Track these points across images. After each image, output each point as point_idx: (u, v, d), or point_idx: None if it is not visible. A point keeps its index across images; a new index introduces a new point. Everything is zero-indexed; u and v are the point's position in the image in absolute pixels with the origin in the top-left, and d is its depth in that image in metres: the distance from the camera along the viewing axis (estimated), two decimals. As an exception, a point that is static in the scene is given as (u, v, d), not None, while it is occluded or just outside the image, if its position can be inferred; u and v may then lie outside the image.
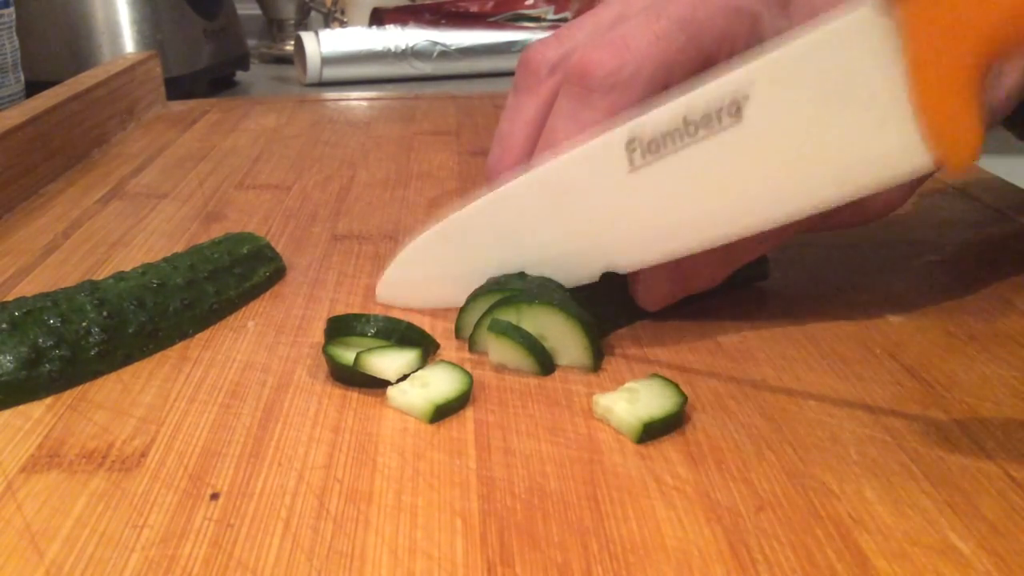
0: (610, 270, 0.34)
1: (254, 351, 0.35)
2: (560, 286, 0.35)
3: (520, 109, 0.38)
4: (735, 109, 0.30)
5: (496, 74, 1.00)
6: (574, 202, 0.34)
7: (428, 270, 0.38)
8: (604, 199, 0.33)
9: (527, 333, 0.33)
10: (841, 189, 0.29)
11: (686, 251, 0.33)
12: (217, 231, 0.47)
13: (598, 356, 0.33)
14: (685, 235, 0.32)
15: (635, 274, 0.36)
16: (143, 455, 0.28)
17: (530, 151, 0.37)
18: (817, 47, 0.28)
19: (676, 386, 0.31)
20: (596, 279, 0.35)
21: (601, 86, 0.34)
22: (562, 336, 0.33)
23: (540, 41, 0.38)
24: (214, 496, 0.26)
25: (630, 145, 0.32)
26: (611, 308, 0.36)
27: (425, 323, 0.36)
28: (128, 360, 0.34)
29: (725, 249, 0.34)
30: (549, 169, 0.34)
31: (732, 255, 0.35)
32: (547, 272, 0.35)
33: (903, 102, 0.27)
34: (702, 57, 0.34)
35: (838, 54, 0.28)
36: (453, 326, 0.36)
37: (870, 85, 0.27)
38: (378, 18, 1.09)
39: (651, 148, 0.32)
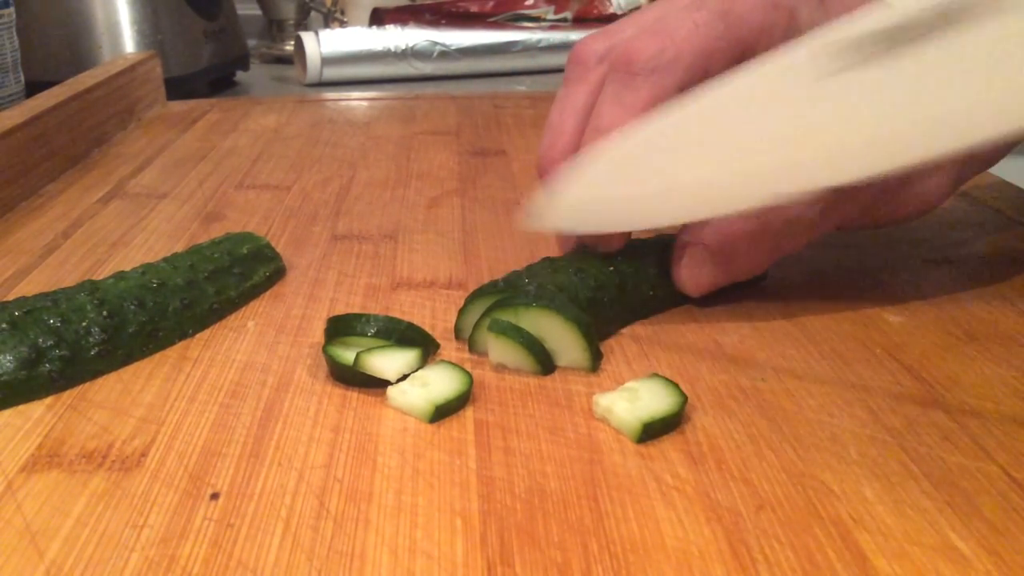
0: (784, 194, 0.32)
1: (254, 351, 0.35)
2: (560, 288, 0.35)
3: (569, 99, 0.39)
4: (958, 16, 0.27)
5: (496, 74, 1.00)
6: (759, 116, 0.32)
7: (603, 190, 0.35)
8: (789, 114, 0.31)
9: (527, 333, 0.33)
10: None
11: (870, 174, 0.29)
12: (217, 231, 0.47)
13: (596, 357, 0.33)
14: (874, 157, 0.29)
15: (679, 258, 0.37)
16: (143, 455, 0.28)
17: (580, 139, 0.38)
18: None
19: (676, 386, 0.31)
20: (769, 202, 0.32)
21: (643, 70, 0.35)
22: (560, 338, 0.33)
23: (589, 36, 0.40)
24: (214, 496, 0.26)
25: (822, 51, 0.30)
26: (613, 310, 0.36)
27: (425, 323, 0.36)
28: (128, 360, 0.34)
29: (769, 238, 0.35)
30: (736, 83, 0.32)
31: (775, 244, 0.36)
32: (718, 196, 0.32)
33: None
34: (740, 46, 0.35)
35: None
36: (453, 326, 0.36)
37: None
38: (378, 18, 1.09)
39: (843, 56, 0.29)
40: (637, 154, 0.35)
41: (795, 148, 0.31)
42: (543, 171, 0.39)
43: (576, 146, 0.38)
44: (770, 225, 0.35)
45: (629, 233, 0.38)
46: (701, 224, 0.36)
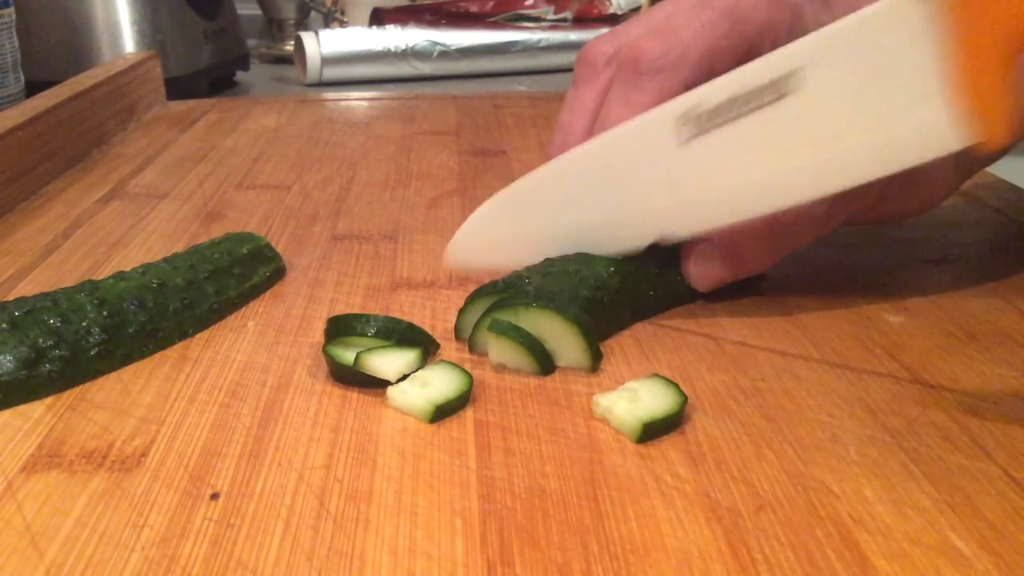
0: (662, 239, 0.36)
1: (254, 351, 0.35)
2: (559, 289, 0.35)
3: (579, 100, 0.40)
4: (781, 85, 0.31)
5: (496, 74, 1.00)
6: (628, 173, 0.36)
7: (493, 234, 0.40)
8: (656, 170, 0.35)
9: (527, 333, 0.33)
10: (884, 163, 0.30)
11: (732, 221, 0.34)
12: (217, 231, 0.47)
13: (596, 357, 0.33)
14: (731, 206, 0.34)
15: (687, 254, 0.37)
16: (143, 455, 0.28)
17: (589, 139, 0.39)
18: (860, 28, 0.30)
19: (676, 386, 0.31)
20: (646, 246, 0.37)
21: (650, 69, 0.36)
22: (560, 338, 0.33)
23: (597, 37, 0.41)
24: (214, 496, 0.26)
25: (680, 120, 0.34)
26: (613, 310, 0.36)
27: (425, 323, 0.36)
28: (128, 360, 0.34)
29: (777, 235, 0.36)
30: (605, 142, 0.36)
31: (783, 241, 0.37)
32: (603, 238, 0.37)
33: (939, 82, 0.28)
34: (746, 44, 0.36)
35: (879, 36, 0.30)
36: (453, 326, 0.36)
37: (909, 65, 0.29)
38: (378, 18, 1.09)
39: (701, 121, 0.33)
40: (534, 194, 0.39)
41: (659, 198, 0.35)
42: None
43: None
44: (777, 222, 0.35)
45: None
46: None
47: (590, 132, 0.39)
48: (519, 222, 0.39)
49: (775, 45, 0.35)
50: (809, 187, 0.32)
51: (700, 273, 0.37)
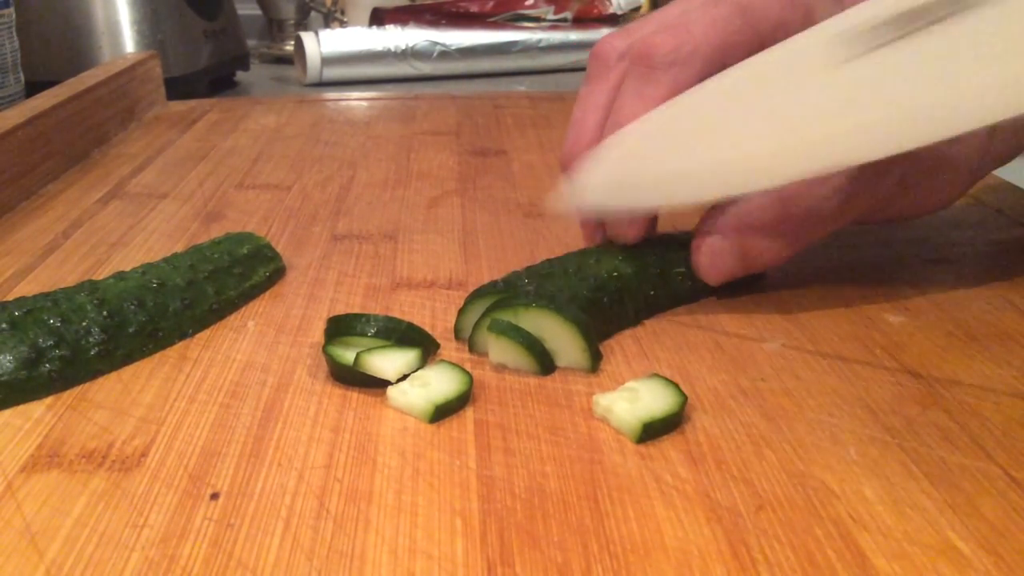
0: (813, 172, 0.32)
1: (254, 351, 0.35)
2: (559, 289, 0.35)
3: (592, 96, 0.40)
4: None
5: (496, 74, 1.00)
6: (778, 97, 0.33)
7: (625, 170, 0.37)
8: (809, 94, 0.32)
9: (527, 333, 0.33)
10: None
11: (888, 152, 0.30)
12: (217, 231, 0.47)
13: (596, 358, 0.33)
14: (891, 135, 0.30)
15: (698, 246, 0.37)
16: (143, 455, 0.28)
17: (602, 135, 0.39)
18: None
19: (676, 386, 0.31)
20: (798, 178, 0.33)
21: (662, 64, 0.36)
22: (559, 338, 0.33)
23: (610, 34, 0.41)
24: (214, 496, 0.26)
25: (838, 38, 0.31)
26: (613, 310, 0.36)
27: (425, 323, 0.36)
28: (128, 360, 0.34)
29: (790, 229, 0.35)
30: (754, 64, 0.34)
31: (796, 236, 0.36)
32: (751, 173, 0.33)
33: None
34: (758, 40, 0.36)
35: None
36: (453, 326, 0.36)
37: None
38: (378, 18, 1.09)
39: (861, 41, 0.31)
40: (659, 135, 0.36)
41: (817, 126, 0.31)
42: (567, 167, 0.39)
43: (599, 141, 0.39)
44: (789, 217, 0.35)
45: (651, 226, 0.39)
46: (720, 213, 0.37)
47: (603, 127, 0.39)
48: (654, 158, 0.36)
49: None
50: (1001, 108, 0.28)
51: (710, 265, 0.37)
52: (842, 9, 0.36)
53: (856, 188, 0.35)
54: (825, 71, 0.31)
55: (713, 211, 0.37)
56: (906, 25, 0.29)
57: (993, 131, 0.38)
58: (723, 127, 0.34)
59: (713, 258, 0.37)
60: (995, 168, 0.43)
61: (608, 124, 0.38)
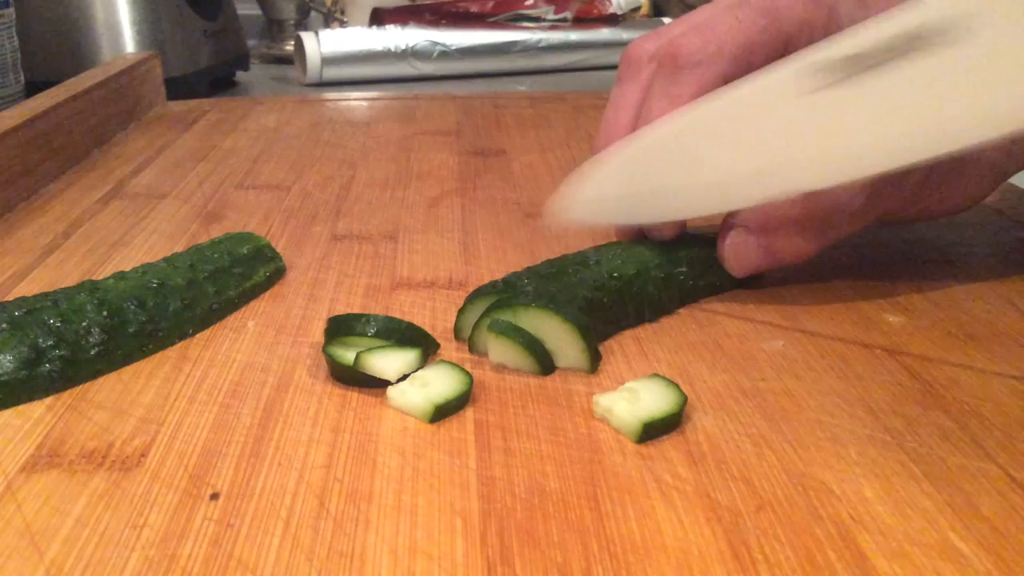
0: (781, 194, 0.35)
1: (254, 351, 0.35)
2: (559, 289, 0.35)
3: (622, 96, 0.41)
4: (940, 34, 0.30)
5: (496, 74, 1.00)
6: (750, 126, 0.35)
7: (611, 188, 0.39)
8: (780, 122, 0.34)
9: (527, 333, 0.33)
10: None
11: (855, 176, 0.33)
12: (217, 231, 0.47)
13: (595, 358, 0.33)
14: (859, 160, 0.32)
15: (723, 239, 0.38)
16: (143, 455, 0.28)
17: (632, 134, 0.39)
18: None
19: (676, 386, 0.31)
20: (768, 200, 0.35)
21: (688, 63, 0.37)
22: (559, 338, 0.33)
23: (641, 37, 0.42)
24: (214, 496, 0.26)
25: (805, 69, 0.33)
26: (613, 311, 0.36)
27: (425, 323, 0.36)
28: (128, 360, 0.34)
29: (816, 225, 0.36)
30: (739, 90, 0.36)
31: (822, 231, 0.37)
32: (721, 194, 0.36)
33: None
34: (782, 38, 0.37)
35: None
36: (453, 326, 0.36)
37: None
38: (378, 18, 1.09)
39: (829, 71, 0.32)
40: (644, 155, 0.38)
41: (789, 150, 0.34)
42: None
43: None
44: (815, 212, 0.36)
45: (683, 223, 0.39)
46: (748, 208, 0.37)
47: (634, 127, 0.40)
48: (640, 177, 0.38)
49: (811, 42, 0.36)
50: (973, 132, 0.30)
51: (736, 258, 0.38)
52: (865, 10, 0.38)
53: (881, 186, 0.36)
54: (797, 100, 0.33)
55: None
56: (869, 61, 0.31)
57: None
58: (704, 149, 0.36)
59: (738, 252, 0.38)
60: (1020, 170, 0.43)
61: (640, 123, 0.39)
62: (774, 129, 0.34)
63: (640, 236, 0.41)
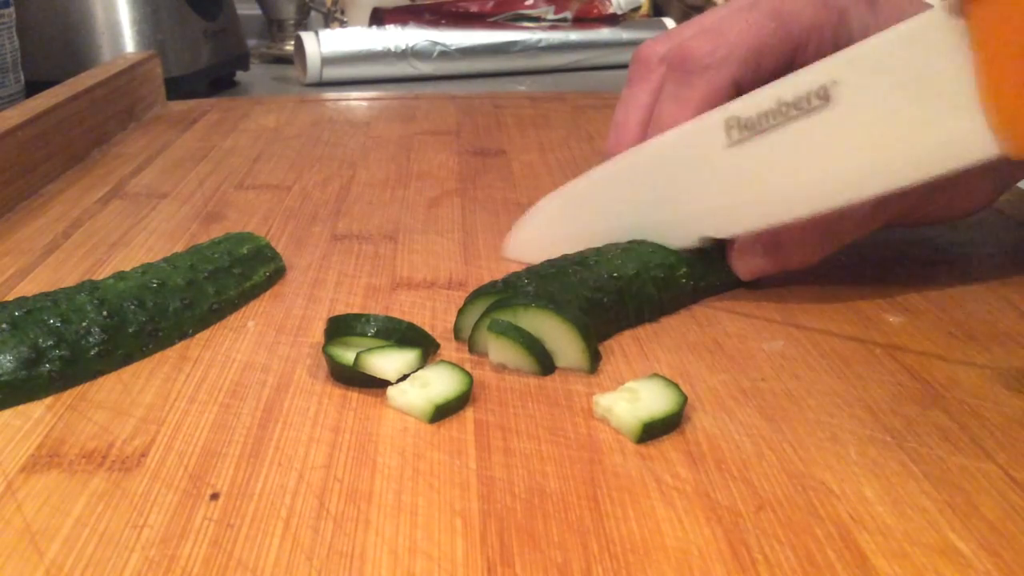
0: (708, 237, 0.38)
1: (254, 351, 0.35)
2: (559, 289, 0.35)
3: (633, 97, 0.42)
4: (824, 93, 0.33)
5: (496, 74, 1.00)
6: (677, 174, 0.38)
7: (549, 230, 0.42)
8: (706, 172, 0.37)
9: (527, 333, 0.33)
10: (920, 170, 0.31)
11: (774, 223, 0.36)
12: (217, 231, 0.47)
13: (595, 358, 0.33)
14: (774, 208, 0.35)
15: (731, 244, 0.39)
16: (143, 455, 0.28)
17: (643, 135, 0.41)
18: (896, 43, 0.31)
19: (676, 386, 0.31)
20: (696, 244, 0.38)
21: (698, 66, 0.38)
22: (558, 338, 0.33)
23: (651, 39, 0.43)
24: (214, 496, 0.26)
25: (728, 123, 0.35)
26: (613, 311, 0.36)
27: (425, 323, 0.36)
28: (128, 360, 0.34)
29: (822, 232, 0.37)
30: (656, 145, 0.38)
31: (828, 238, 0.38)
32: (653, 235, 0.39)
33: (972, 95, 0.29)
34: (791, 42, 0.38)
35: (915, 50, 0.30)
36: (453, 326, 0.36)
37: (943, 79, 0.30)
38: (378, 18, 1.09)
39: (747, 126, 0.35)
40: (578, 201, 0.41)
41: (713, 196, 0.37)
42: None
43: (640, 141, 0.40)
44: (821, 219, 0.36)
45: None
46: None
47: (644, 128, 0.40)
48: (574, 221, 0.41)
49: (820, 45, 0.37)
50: (849, 191, 0.33)
51: (742, 262, 0.39)
52: (875, 14, 0.38)
53: (887, 195, 0.36)
54: (717, 152, 0.36)
55: None
56: (784, 115, 0.34)
57: None
58: (630, 198, 0.39)
59: (745, 255, 0.38)
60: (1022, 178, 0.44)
61: (651, 126, 0.40)
62: (697, 178, 0.37)
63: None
